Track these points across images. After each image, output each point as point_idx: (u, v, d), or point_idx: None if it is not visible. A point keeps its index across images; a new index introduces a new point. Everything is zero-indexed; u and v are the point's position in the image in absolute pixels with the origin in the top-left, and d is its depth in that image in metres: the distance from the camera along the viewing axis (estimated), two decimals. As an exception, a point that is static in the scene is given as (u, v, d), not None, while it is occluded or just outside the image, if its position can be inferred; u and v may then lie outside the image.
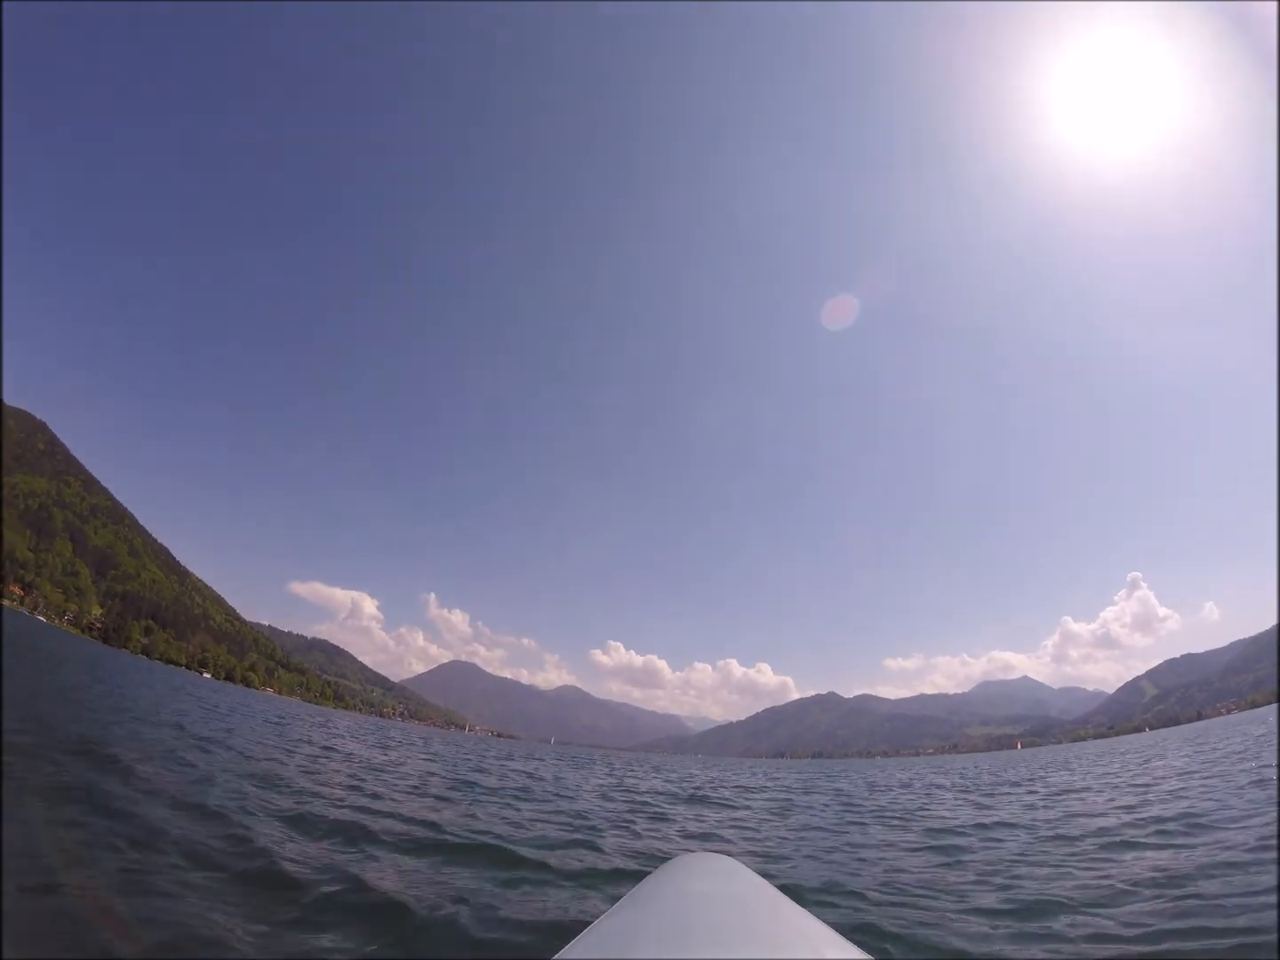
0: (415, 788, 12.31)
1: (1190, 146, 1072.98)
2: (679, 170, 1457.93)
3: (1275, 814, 8.15)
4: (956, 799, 16.15)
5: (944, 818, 12.13)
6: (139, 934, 3.82)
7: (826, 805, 15.61)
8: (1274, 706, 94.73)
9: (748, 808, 14.58)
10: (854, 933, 4.47)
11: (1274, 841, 6.63)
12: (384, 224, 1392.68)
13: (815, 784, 25.32)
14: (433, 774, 15.65)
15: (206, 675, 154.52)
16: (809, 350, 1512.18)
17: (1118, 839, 7.98)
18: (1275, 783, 10.84)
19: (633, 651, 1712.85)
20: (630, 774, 26.19)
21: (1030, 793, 16.28)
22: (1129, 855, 7.11)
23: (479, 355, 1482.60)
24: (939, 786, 21.55)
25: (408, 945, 4.21)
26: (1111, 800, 12.80)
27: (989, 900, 5.62)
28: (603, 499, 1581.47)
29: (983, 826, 10.16)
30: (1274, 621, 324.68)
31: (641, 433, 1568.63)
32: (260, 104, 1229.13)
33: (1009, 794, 16.49)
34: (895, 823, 11.67)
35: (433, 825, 8.01)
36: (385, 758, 19.21)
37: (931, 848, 8.56)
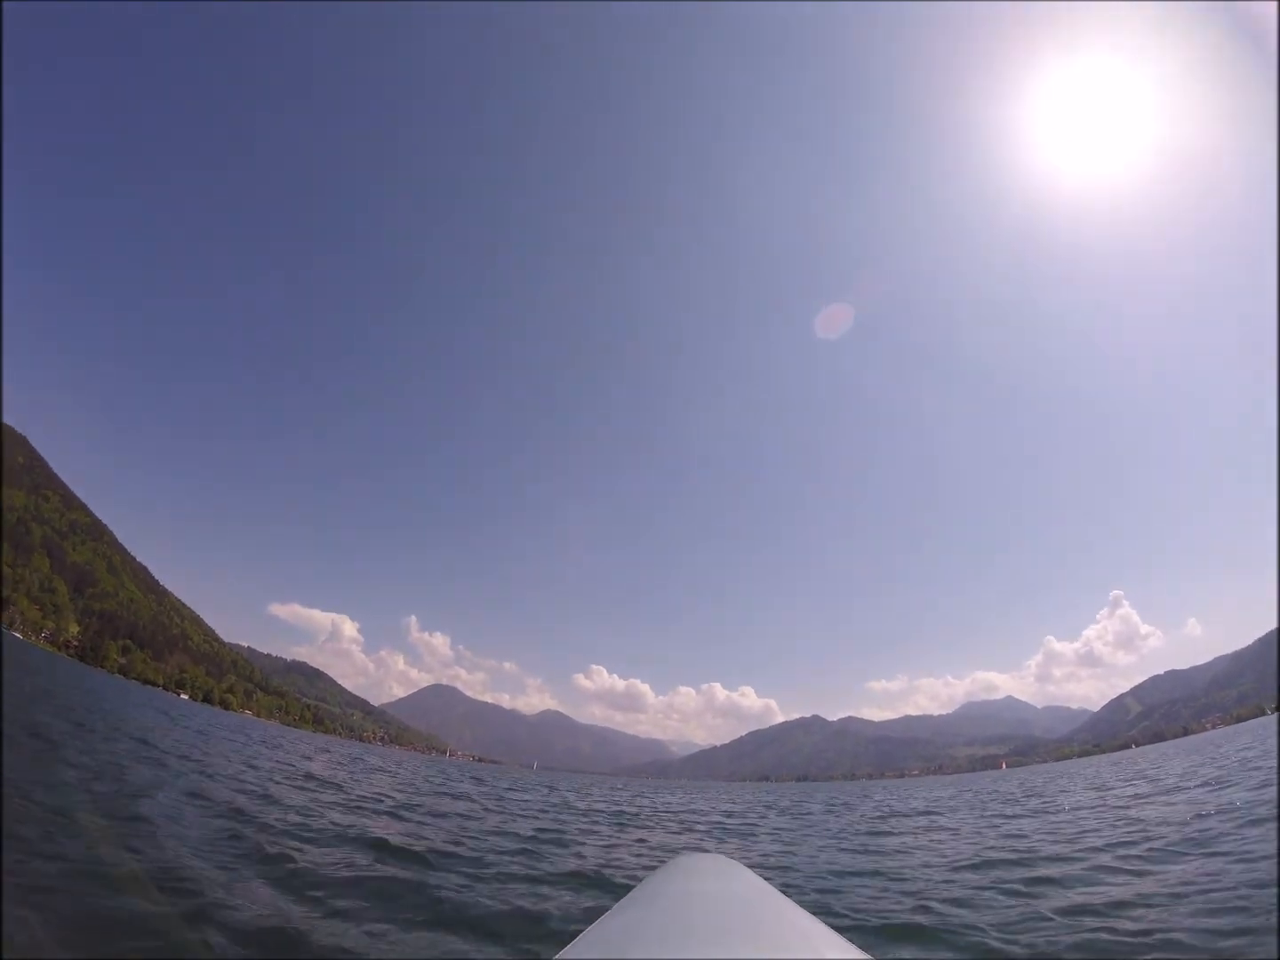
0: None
1: (1191, 149, 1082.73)
2: (672, 177, 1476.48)
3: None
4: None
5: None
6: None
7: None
8: (1258, 721, 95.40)
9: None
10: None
11: None
12: (372, 238, 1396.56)
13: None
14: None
15: (184, 696, 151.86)
16: (799, 363, 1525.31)
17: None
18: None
19: (615, 675, 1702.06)
20: (597, 798, 27.54)
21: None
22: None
23: (463, 375, 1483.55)
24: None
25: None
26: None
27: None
28: (586, 522, 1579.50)
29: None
30: (1257, 636, 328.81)
31: (626, 457, 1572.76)
32: (251, 104, 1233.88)
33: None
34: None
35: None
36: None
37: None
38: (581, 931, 1.58)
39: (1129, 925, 4.98)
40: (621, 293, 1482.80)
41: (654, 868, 2.28)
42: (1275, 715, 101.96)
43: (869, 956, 1.36)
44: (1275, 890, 5.18)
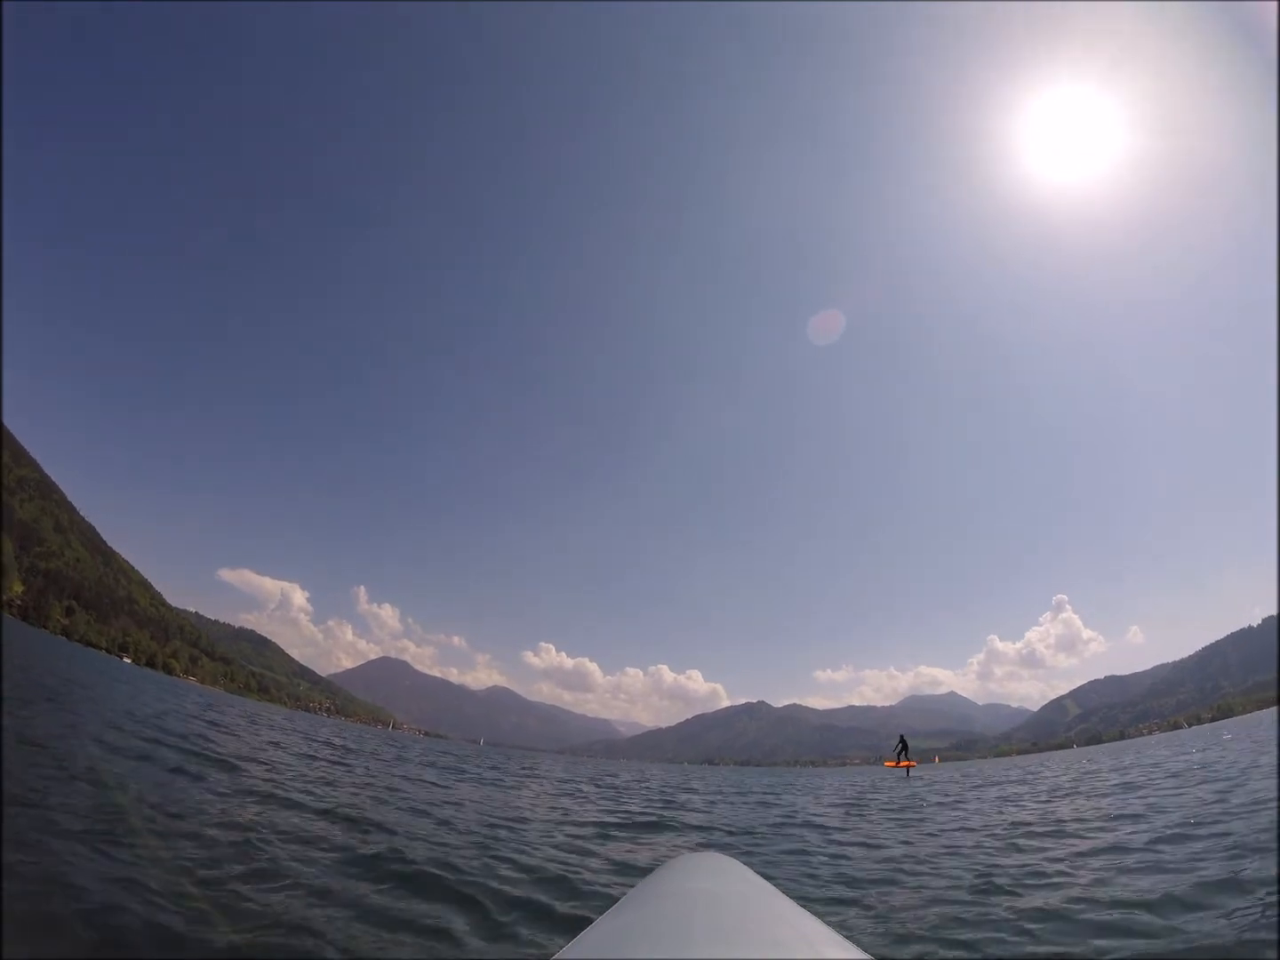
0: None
1: (1191, 149, 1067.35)
2: (662, 176, 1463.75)
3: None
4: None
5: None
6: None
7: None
8: (1188, 730, 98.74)
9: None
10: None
11: None
12: (355, 215, 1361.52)
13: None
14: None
15: (127, 660, 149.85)
16: (770, 360, 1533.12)
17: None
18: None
19: (564, 654, 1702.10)
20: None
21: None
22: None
23: (428, 348, 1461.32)
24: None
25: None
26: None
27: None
28: (539, 497, 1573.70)
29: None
30: (1199, 647, 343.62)
31: (585, 435, 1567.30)
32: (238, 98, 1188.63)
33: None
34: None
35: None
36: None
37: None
38: (581, 931, 1.57)
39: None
40: (594, 292, 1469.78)
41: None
42: (1207, 725, 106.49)
43: (869, 956, 1.37)
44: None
